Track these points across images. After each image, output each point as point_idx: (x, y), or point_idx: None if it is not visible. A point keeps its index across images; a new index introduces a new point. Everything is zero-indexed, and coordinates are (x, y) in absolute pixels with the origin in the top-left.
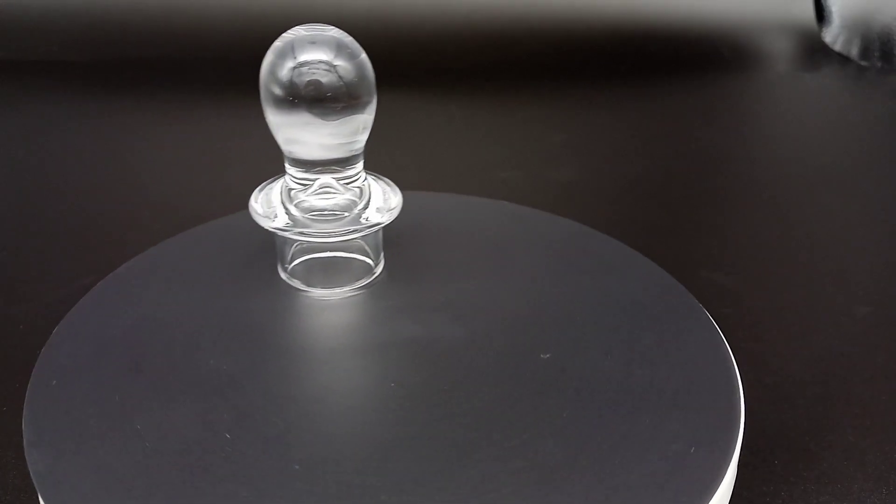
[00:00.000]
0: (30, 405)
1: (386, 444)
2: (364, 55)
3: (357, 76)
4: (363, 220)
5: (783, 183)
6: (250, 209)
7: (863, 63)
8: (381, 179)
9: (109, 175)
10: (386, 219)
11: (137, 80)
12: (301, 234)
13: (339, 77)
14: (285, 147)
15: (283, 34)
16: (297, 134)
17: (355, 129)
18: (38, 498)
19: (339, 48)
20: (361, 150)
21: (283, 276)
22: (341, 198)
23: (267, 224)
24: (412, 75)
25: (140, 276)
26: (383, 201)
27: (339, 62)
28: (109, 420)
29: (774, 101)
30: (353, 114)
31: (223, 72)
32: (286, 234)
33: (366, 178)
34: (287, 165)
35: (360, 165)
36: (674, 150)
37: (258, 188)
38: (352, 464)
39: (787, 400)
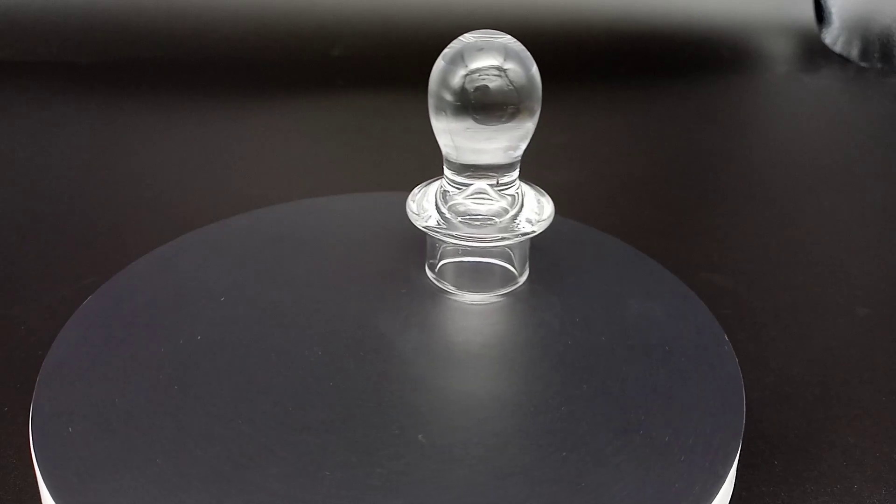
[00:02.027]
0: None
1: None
2: (534, 65)
3: (525, 83)
4: (514, 229)
5: (783, 184)
6: (407, 207)
7: (863, 64)
8: (535, 188)
9: (110, 175)
10: (536, 229)
11: (138, 80)
12: (450, 235)
13: (509, 82)
14: (446, 151)
15: (454, 41)
16: (460, 138)
17: (517, 137)
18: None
19: (509, 54)
20: (519, 159)
21: (429, 274)
22: (495, 204)
23: (419, 223)
24: (412, 76)
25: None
26: (535, 211)
27: (509, 67)
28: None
29: (774, 102)
30: (517, 121)
31: (224, 72)
32: (435, 235)
33: (520, 186)
34: (445, 168)
35: (516, 173)
36: (673, 151)
37: (417, 188)
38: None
39: (786, 400)
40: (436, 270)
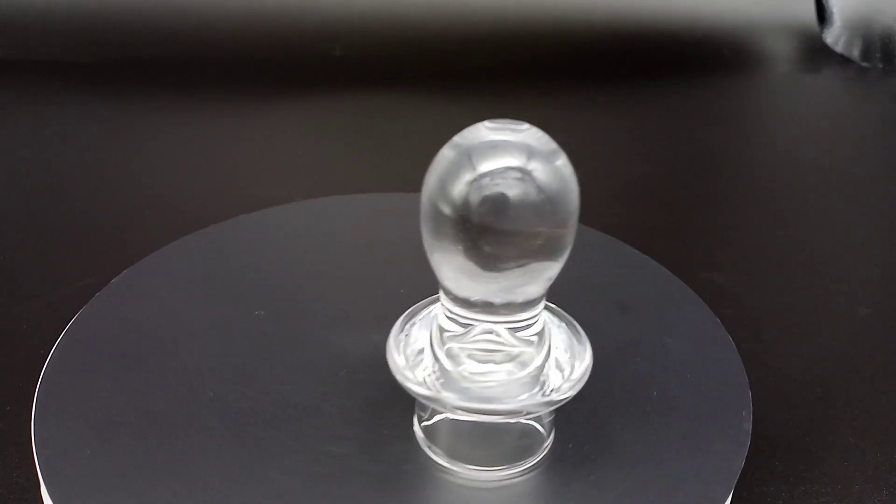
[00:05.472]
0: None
1: None
2: (569, 166)
3: (558, 192)
4: (537, 390)
5: (783, 183)
6: (388, 352)
7: (864, 64)
8: (563, 319)
9: (111, 175)
10: (570, 393)
11: (139, 79)
12: (440, 403)
13: (537, 190)
14: (442, 280)
15: (460, 135)
16: (462, 270)
17: (544, 279)
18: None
19: (532, 155)
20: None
21: (417, 432)
22: (510, 351)
23: (406, 384)
24: (412, 75)
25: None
26: (566, 354)
27: (531, 171)
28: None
29: (775, 102)
30: (542, 258)
31: (225, 72)
32: (424, 401)
33: (545, 324)
34: (442, 295)
35: (540, 307)
36: (674, 150)
37: (405, 314)
38: None
39: (787, 400)
40: (423, 428)
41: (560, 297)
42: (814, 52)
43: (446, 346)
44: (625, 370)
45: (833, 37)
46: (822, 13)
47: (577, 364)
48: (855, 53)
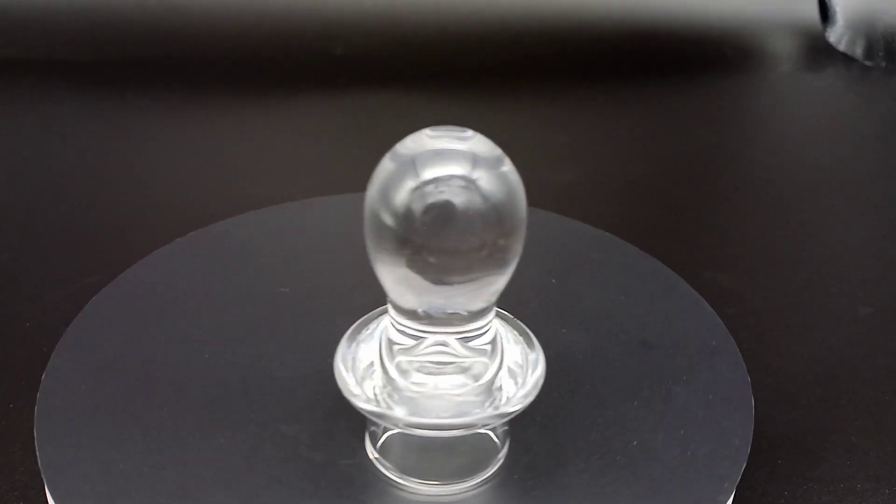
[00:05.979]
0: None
1: None
2: (514, 173)
3: (505, 200)
4: (489, 402)
5: (786, 183)
6: (335, 368)
7: (867, 63)
8: (514, 326)
9: (113, 175)
10: (522, 403)
11: (140, 79)
12: (389, 419)
13: (482, 198)
14: (388, 292)
15: (402, 144)
16: (407, 282)
17: (491, 292)
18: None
19: (477, 163)
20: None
21: (369, 450)
22: (461, 363)
23: (354, 401)
24: (412, 75)
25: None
26: (519, 361)
27: (476, 179)
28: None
29: (778, 102)
30: (488, 270)
31: (226, 71)
32: (371, 417)
33: (496, 333)
34: (389, 307)
35: (491, 315)
36: (676, 150)
37: (352, 327)
38: None
39: (789, 400)
40: (377, 445)
41: (574, 321)
42: (816, 51)
43: (396, 360)
44: (614, 411)
45: (836, 36)
46: (825, 12)
47: (529, 373)
48: (858, 52)
